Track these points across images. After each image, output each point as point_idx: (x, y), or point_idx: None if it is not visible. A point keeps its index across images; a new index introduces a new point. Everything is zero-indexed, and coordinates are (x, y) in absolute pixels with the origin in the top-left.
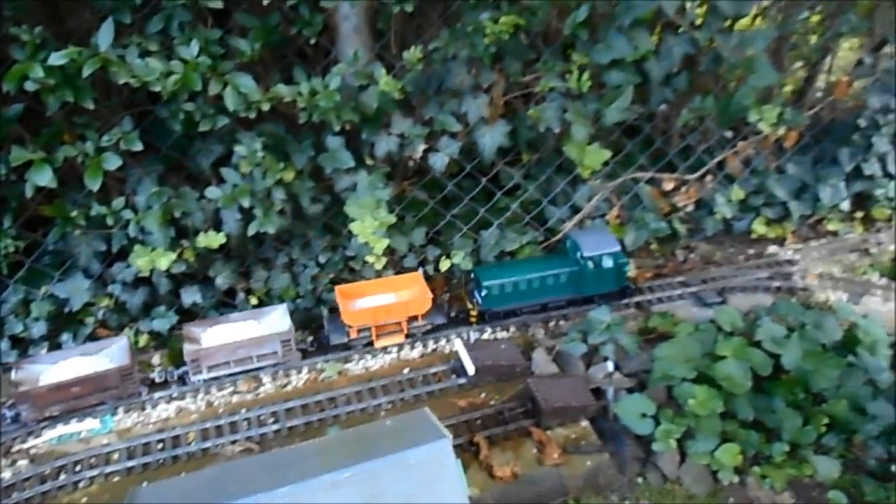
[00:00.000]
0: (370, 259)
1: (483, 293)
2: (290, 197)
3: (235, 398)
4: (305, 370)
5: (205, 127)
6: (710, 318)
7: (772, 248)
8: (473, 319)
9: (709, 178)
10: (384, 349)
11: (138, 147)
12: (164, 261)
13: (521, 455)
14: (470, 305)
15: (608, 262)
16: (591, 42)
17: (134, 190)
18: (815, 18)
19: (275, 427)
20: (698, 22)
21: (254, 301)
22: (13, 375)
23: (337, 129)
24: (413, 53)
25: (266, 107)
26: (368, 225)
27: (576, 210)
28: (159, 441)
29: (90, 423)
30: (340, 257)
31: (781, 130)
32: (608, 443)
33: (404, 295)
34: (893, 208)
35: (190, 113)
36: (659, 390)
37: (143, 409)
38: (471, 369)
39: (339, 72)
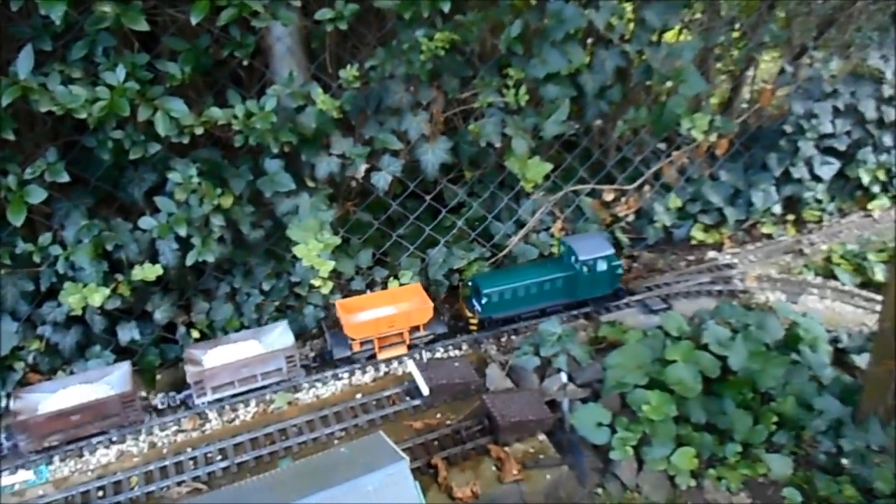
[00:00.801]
0: (316, 283)
1: (483, 301)
2: (230, 224)
3: (180, 437)
4: (253, 402)
5: (136, 155)
6: (657, 325)
7: (711, 254)
8: (474, 328)
9: (647, 187)
10: (335, 375)
11: (64, 178)
12: (97, 297)
13: (480, 474)
14: (469, 314)
15: (602, 266)
16: (527, 57)
17: (62, 224)
18: (737, 33)
19: (223, 464)
20: (628, 35)
21: (195, 335)
22: (11, 404)
23: (275, 151)
24: (349, 72)
25: (200, 131)
26: (313, 248)
27: (521, 225)
28: (99, 489)
29: (24, 475)
30: (285, 284)
31: (713, 138)
32: (566, 455)
33: (405, 305)
34: (822, 210)
35: (119, 141)
36: (613, 399)
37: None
38: (425, 390)
39: (274, 93)
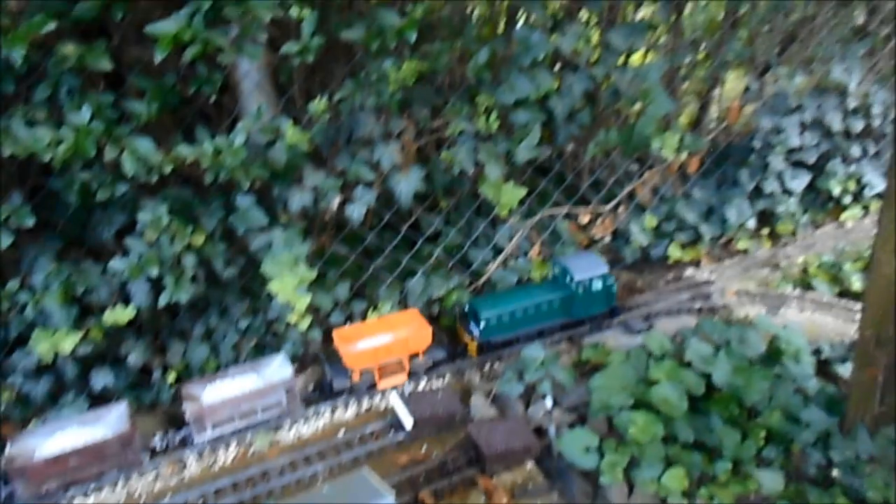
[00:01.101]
0: (292, 319)
1: (481, 325)
2: (202, 262)
3: (159, 484)
4: (234, 444)
5: (103, 196)
6: (639, 345)
7: (689, 271)
8: (473, 352)
9: (621, 208)
10: (316, 413)
11: (30, 223)
12: (68, 343)
13: None
14: (468, 338)
15: (598, 285)
16: (496, 84)
17: (30, 269)
18: (701, 54)
19: None
20: (594, 59)
21: (171, 378)
22: (7, 450)
23: (246, 187)
24: (318, 105)
25: (168, 169)
26: (288, 283)
27: (498, 250)
28: None
29: None
30: (262, 321)
31: (683, 156)
32: (556, 482)
33: (403, 332)
34: (796, 222)
35: (86, 182)
36: (600, 422)
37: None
38: (409, 423)
39: (243, 128)
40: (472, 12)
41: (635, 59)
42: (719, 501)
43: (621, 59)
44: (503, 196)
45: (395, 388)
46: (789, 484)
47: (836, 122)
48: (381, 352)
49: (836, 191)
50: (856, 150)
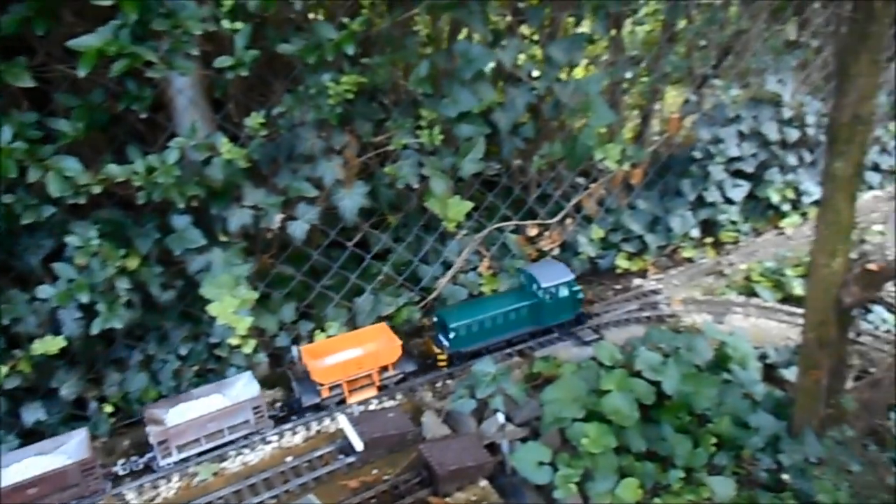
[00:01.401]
0: (234, 342)
1: (451, 335)
2: (137, 286)
3: None
4: (176, 477)
5: (28, 219)
6: (590, 356)
7: (637, 281)
8: (443, 363)
9: (569, 221)
10: (262, 439)
11: None
12: None
13: None
14: (437, 350)
15: (564, 292)
16: (439, 97)
17: None
18: (642, 68)
19: None
20: (536, 73)
21: (109, 409)
22: None
23: (182, 206)
24: (254, 120)
25: (98, 190)
26: (228, 305)
27: (448, 266)
28: None
29: None
30: (203, 346)
31: (626, 167)
32: (510, 499)
33: (373, 346)
34: (738, 231)
35: (9, 205)
36: (553, 435)
37: None
38: (359, 445)
39: (176, 145)
40: (413, 26)
41: (579, 72)
42: None
43: (563, 73)
44: (450, 210)
45: (366, 401)
46: (741, 490)
47: (772, 132)
48: (351, 366)
49: (775, 199)
50: (792, 159)
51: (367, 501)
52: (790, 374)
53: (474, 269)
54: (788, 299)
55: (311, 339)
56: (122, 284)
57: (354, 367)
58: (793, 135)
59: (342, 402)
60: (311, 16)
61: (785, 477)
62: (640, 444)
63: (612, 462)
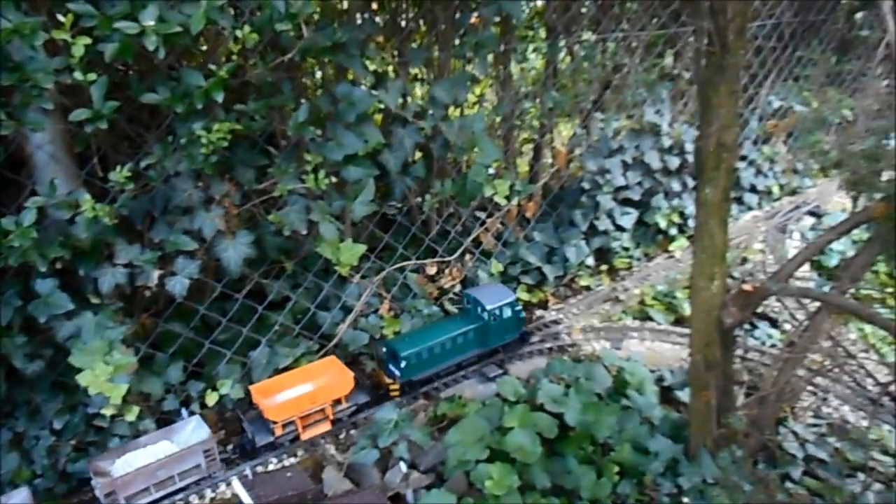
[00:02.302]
0: (107, 412)
1: (402, 364)
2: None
3: None
4: None
5: None
6: (494, 392)
7: (538, 312)
8: (395, 393)
9: (468, 257)
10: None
11: None
12: None
13: None
14: (389, 380)
15: (508, 312)
16: (324, 141)
17: None
18: (529, 104)
19: None
20: (422, 112)
21: None
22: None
23: (43, 270)
24: (120, 174)
25: None
26: (100, 373)
27: (348, 311)
28: None
29: None
30: (81, 417)
31: (515, 201)
32: None
33: (323, 380)
34: (630, 257)
35: None
36: (458, 480)
37: None
38: None
39: (33, 205)
40: (290, 72)
41: (469, 111)
42: None
43: (452, 111)
44: (342, 255)
45: (321, 436)
46: None
47: (654, 160)
48: (304, 401)
49: (663, 224)
50: (676, 185)
51: None
52: (685, 395)
53: (375, 311)
54: (680, 321)
55: (202, 400)
56: None
57: (308, 402)
58: (674, 162)
59: (296, 438)
60: (178, 64)
61: (685, 500)
62: (545, 480)
63: (517, 502)
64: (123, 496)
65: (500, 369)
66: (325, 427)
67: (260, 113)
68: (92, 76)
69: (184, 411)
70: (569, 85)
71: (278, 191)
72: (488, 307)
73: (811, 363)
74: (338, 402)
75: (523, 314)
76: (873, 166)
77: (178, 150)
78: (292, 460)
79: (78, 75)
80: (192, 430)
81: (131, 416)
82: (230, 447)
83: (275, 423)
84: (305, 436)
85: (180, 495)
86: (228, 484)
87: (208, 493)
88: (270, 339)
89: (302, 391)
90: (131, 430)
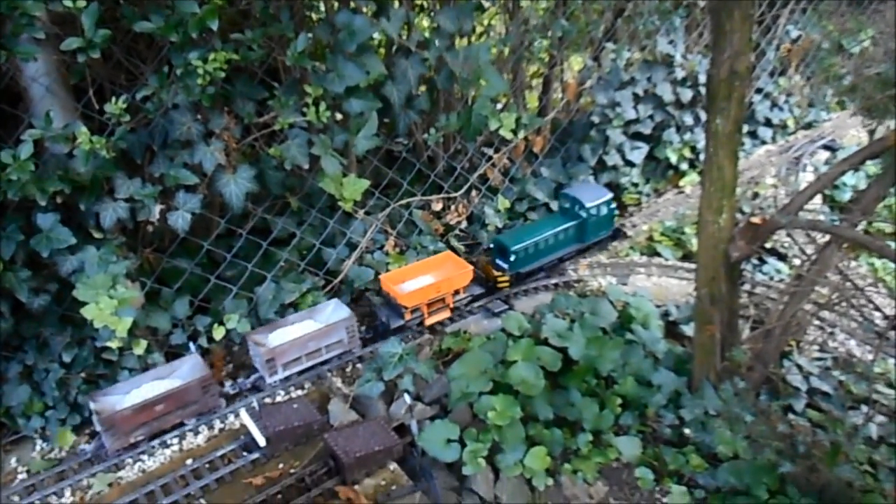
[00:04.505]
0: (114, 345)
1: (511, 258)
2: (3, 294)
3: None
4: (68, 492)
5: None
6: (499, 327)
7: None
8: (504, 284)
9: (474, 193)
10: (163, 443)
11: None
12: None
13: None
14: (497, 273)
15: (604, 210)
16: (325, 72)
17: None
18: (537, 34)
19: None
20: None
21: None
22: (92, 406)
23: (43, 204)
24: (115, 106)
25: None
26: (105, 306)
27: (353, 247)
28: None
29: None
30: (89, 351)
31: (521, 135)
32: (420, 480)
33: (447, 271)
34: (639, 192)
35: None
36: (462, 411)
37: None
38: (261, 440)
39: (30, 138)
40: None
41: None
42: (583, 475)
43: (459, 42)
44: (345, 190)
45: (441, 322)
46: (647, 448)
47: (666, 92)
48: (430, 290)
49: (674, 158)
50: (688, 119)
51: (272, 498)
52: (690, 330)
53: (381, 248)
54: (688, 256)
55: (209, 335)
56: None
57: (434, 291)
58: (687, 94)
59: (420, 323)
60: None
61: (687, 431)
62: (548, 412)
63: (520, 433)
64: (281, 363)
65: (506, 304)
66: (446, 314)
67: (257, 42)
68: (82, 3)
69: (191, 345)
70: (579, 13)
71: (279, 124)
72: (587, 205)
73: (819, 297)
74: (456, 292)
75: (616, 211)
76: (889, 91)
77: (175, 82)
78: (300, 392)
79: (68, 2)
80: (332, 311)
81: (139, 350)
82: (363, 328)
83: (405, 308)
84: (429, 321)
85: (325, 366)
86: (362, 360)
87: (349, 368)
88: (276, 275)
89: (426, 281)
90: (140, 364)
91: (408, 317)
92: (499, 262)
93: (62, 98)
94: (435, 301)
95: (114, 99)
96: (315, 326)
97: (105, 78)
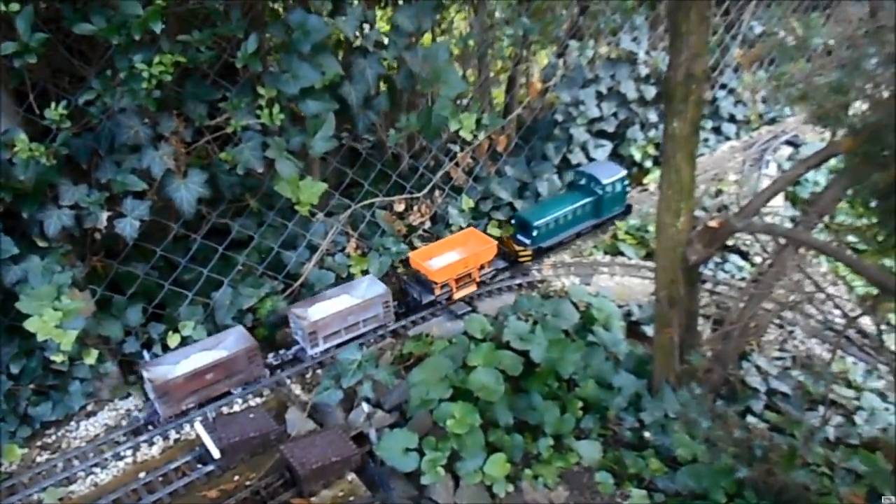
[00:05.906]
0: (58, 358)
1: (534, 233)
2: None
3: None
4: None
5: None
6: (462, 330)
7: None
8: (526, 259)
9: (437, 192)
10: (116, 455)
11: None
12: None
13: None
14: (519, 248)
15: (618, 187)
16: (280, 73)
17: None
18: (499, 33)
19: None
20: (385, 42)
21: None
22: (144, 375)
23: None
24: (55, 111)
25: None
26: (49, 318)
27: (314, 249)
28: None
29: None
30: (38, 362)
31: (482, 135)
32: (378, 491)
33: (473, 247)
34: None
35: None
36: (422, 418)
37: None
38: (216, 452)
39: None
40: None
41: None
42: (543, 480)
43: (423, 39)
44: (302, 193)
45: (468, 297)
46: (607, 451)
47: (630, 90)
48: (459, 265)
49: (638, 156)
50: (652, 116)
51: None
52: (651, 330)
53: (342, 250)
54: (651, 255)
55: (163, 342)
56: None
57: (462, 267)
58: (651, 92)
59: (449, 298)
60: None
61: (647, 434)
62: (508, 418)
63: (479, 440)
64: (322, 335)
65: (469, 306)
66: (472, 288)
67: (206, 44)
68: (15, 6)
69: (145, 353)
70: (542, 9)
71: (231, 127)
72: (603, 181)
73: (779, 297)
74: (481, 267)
75: (629, 189)
76: (840, 100)
77: (120, 86)
78: (258, 400)
79: (0, 6)
80: (367, 287)
81: (90, 360)
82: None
83: (435, 283)
84: (458, 295)
85: (362, 339)
86: (396, 334)
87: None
88: (234, 280)
89: (454, 258)
90: (91, 374)
91: (438, 292)
92: (520, 237)
93: (3, 104)
94: (462, 276)
95: (53, 104)
96: (352, 301)
97: (48, 81)
